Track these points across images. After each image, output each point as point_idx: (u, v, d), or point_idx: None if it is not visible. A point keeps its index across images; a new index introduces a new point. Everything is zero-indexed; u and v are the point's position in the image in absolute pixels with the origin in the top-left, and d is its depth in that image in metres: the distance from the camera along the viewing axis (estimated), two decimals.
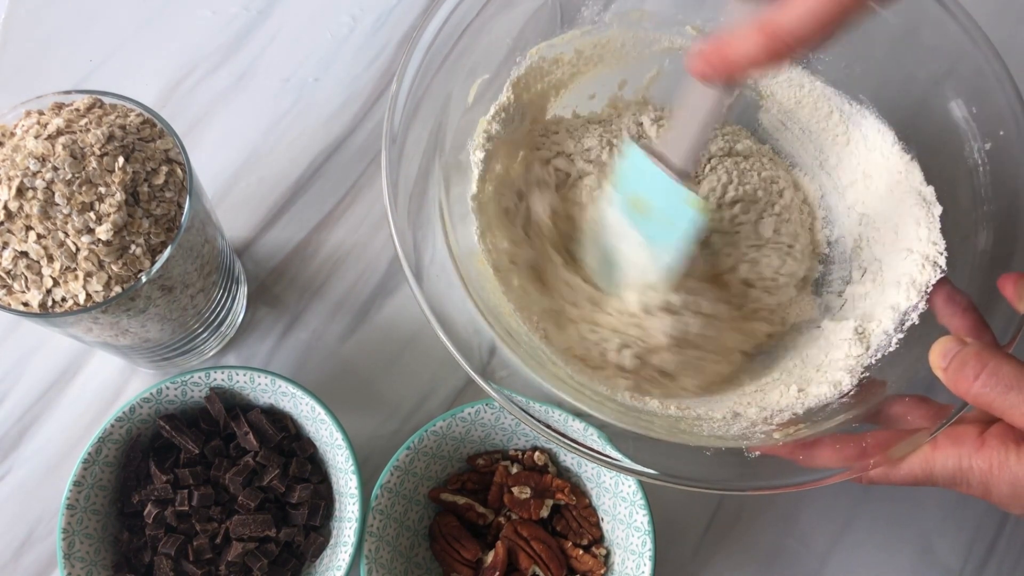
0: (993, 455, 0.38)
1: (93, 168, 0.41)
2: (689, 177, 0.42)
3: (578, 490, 0.52)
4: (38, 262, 0.41)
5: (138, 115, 0.44)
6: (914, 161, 0.48)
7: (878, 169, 0.51)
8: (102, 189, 0.41)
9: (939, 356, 0.40)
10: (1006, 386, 0.38)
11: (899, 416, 0.42)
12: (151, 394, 0.48)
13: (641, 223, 0.44)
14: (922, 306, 0.45)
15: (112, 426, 0.48)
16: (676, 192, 0.42)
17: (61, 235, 0.41)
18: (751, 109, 0.56)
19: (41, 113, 0.43)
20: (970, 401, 0.39)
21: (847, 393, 0.44)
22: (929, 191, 0.47)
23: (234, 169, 0.60)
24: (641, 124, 0.54)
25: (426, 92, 0.46)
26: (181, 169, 0.44)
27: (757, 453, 0.41)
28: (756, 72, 0.35)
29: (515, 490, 0.50)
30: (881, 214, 0.50)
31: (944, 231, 0.46)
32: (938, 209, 0.46)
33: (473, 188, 0.48)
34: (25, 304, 0.41)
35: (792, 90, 0.53)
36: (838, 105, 0.52)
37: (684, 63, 0.38)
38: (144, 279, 0.42)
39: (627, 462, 0.40)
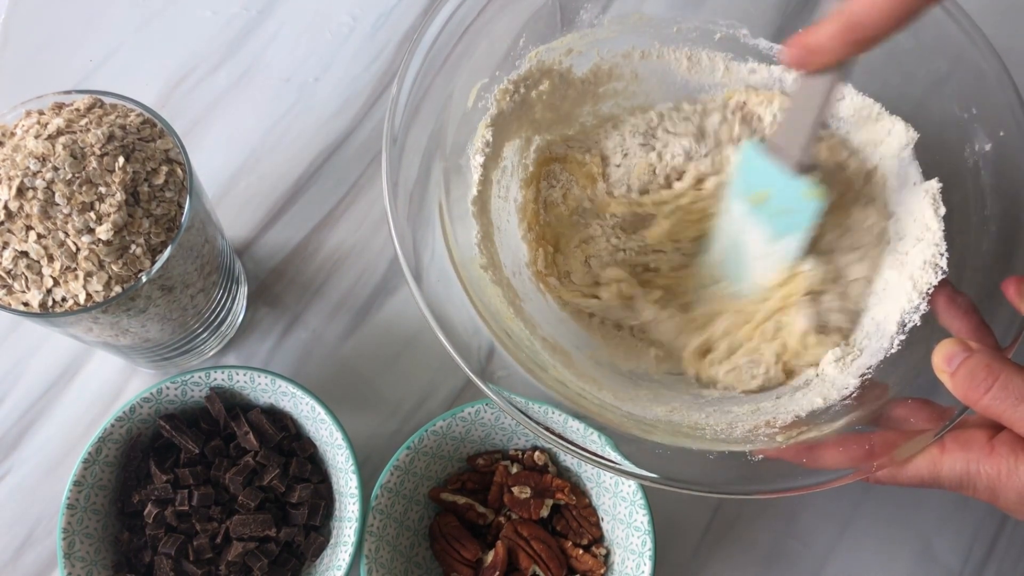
0: (1002, 462, 0.38)
1: (93, 168, 0.41)
2: (805, 167, 0.44)
3: (578, 490, 0.52)
4: (38, 262, 0.41)
5: (138, 115, 0.44)
6: (915, 161, 0.48)
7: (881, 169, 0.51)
8: (102, 189, 0.41)
9: (943, 359, 0.40)
10: (1016, 398, 0.38)
11: (902, 419, 0.42)
12: (151, 394, 0.48)
13: (765, 217, 0.46)
14: (923, 307, 0.45)
15: (112, 426, 0.48)
16: (794, 184, 0.44)
17: (61, 235, 0.41)
18: None
19: (41, 113, 0.43)
20: (979, 411, 0.39)
21: (849, 395, 0.44)
22: (932, 192, 0.47)
23: (234, 169, 0.60)
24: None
25: (426, 94, 0.46)
26: (181, 169, 0.44)
27: (761, 456, 0.41)
28: (835, 58, 0.39)
29: (515, 490, 0.50)
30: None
31: (945, 232, 0.46)
32: (941, 210, 0.46)
33: (473, 192, 0.48)
34: (25, 304, 0.41)
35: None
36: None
37: (778, 57, 0.40)
38: (144, 279, 0.42)
39: (629, 466, 0.40)
